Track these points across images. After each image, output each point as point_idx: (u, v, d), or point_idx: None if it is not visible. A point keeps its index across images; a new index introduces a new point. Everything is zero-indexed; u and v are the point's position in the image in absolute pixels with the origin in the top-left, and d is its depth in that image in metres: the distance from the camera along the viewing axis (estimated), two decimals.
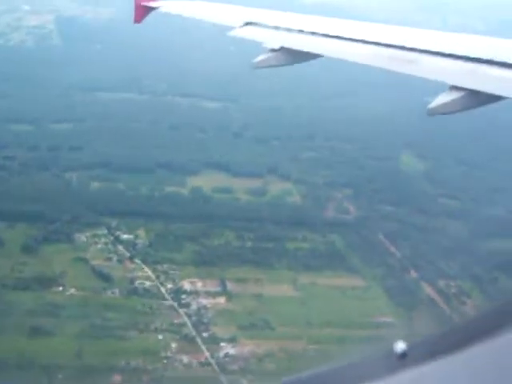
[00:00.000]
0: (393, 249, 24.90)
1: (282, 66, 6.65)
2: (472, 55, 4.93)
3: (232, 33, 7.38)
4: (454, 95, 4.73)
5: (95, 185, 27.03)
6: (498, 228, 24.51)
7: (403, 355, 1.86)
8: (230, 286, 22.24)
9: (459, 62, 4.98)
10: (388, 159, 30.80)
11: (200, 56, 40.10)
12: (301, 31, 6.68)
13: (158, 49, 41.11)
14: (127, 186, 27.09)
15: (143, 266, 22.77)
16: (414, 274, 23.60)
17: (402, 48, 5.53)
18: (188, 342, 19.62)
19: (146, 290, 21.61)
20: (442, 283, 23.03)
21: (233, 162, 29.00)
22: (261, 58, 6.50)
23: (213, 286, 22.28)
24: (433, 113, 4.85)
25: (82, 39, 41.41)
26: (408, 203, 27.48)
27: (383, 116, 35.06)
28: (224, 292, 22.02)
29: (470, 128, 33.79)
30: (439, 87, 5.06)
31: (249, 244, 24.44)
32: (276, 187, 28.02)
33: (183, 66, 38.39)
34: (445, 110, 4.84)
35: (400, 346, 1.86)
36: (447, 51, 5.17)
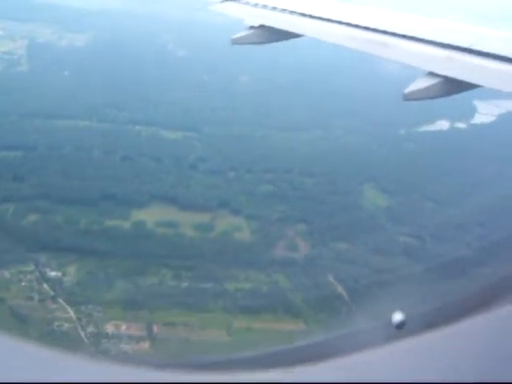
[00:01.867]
0: (341, 291, 23.23)
1: (261, 43, 6.64)
2: (450, 42, 4.95)
3: (212, 8, 7.44)
4: (430, 81, 4.78)
5: (32, 217, 25.63)
6: (454, 270, 22.87)
7: (401, 325, 1.98)
8: (156, 329, 20.63)
9: (437, 49, 5.01)
10: (349, 193, 29.27)
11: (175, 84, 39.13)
12: (281, 10, 6.69)
13: (129, 74, 40.11)
14: (66, 219, 25.68)
15: (66, 306, 21.27)
16: (359, 318, 21.89)
17: (380, 31, 5.55)
18: None
19: (64, 333, 20.01)
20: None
21: (183, 195, 27.58)
22: (239, 34, 6.60)
23: (138, 330, 20.68)
24: (408, 98, 4.92)
25: (51, 65, 40.53)
26: (365, 242, 25.88)
27: (352, 147, 33.78)
28: (149, 336, 20.42)
29: (442, 159, 32.43)
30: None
31: (185, 284, 22.86)
32: (225, 222, 26.51)
33: (151, 94, 37.37)
34: (420, 96, 4.88)
35: (398, 316, 1.99)
36: (425, 37, 5.18)
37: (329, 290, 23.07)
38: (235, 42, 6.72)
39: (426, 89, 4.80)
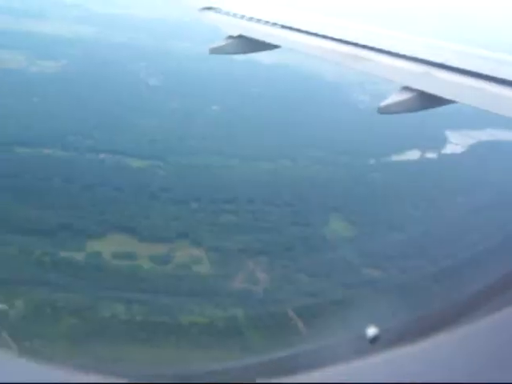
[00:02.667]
0: (301, 326, 22.51)
1: (239, 53, 6.70)
2: (426, 58, 5.01)
3: (191, 17, 7.64)
4: (406, 95, 4.80)
5: None
6: (416, 302, 22.29)
7: (375, 339, 1.98)
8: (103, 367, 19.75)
9: (413, 63, 5.05)
10: (313, 224, 28.75)
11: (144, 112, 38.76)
12: (260, 20, 6.64)
13: (98, 103, 39.68)
14: (19, 250, 24.79)
15: (10, 340, 20.30)
16: (317, 355, 21.11)
17: (358, 45, 5.57)
18: None
19: None
20: None
21: (142, 225, 26.90)
22: (217, 44, 6.48)
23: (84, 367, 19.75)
24: (383, 111, 4.92)
25: (20, 92, 40.01)
26: (327, 274, 25.30)
27: (319, 177, 33.44)
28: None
29: (409, 189, 32.16)
30: None
31: (138, 318, 21.99)
32: (184, 254, 25.80)
33: (119, 123, 36.93)
34: (395, 110, 4.90)
35: (372, 330, 2.01)
36: (402, 52, 5.24)
37: (288, 326, 22.34)
38: (213, 51, 6.63)
39: (401, 103, 4.82)
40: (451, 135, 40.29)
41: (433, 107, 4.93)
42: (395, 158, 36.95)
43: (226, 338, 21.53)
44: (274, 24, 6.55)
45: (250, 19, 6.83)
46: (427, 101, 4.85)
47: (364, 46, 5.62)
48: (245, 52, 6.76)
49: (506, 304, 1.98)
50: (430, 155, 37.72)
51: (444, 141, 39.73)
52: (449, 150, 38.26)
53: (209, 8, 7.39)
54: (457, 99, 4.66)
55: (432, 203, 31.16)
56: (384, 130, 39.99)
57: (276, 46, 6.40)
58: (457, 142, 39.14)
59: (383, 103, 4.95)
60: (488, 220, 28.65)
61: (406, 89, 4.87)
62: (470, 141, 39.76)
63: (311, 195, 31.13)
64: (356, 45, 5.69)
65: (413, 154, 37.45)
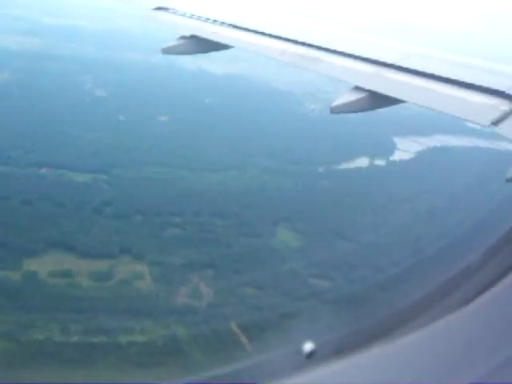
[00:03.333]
0: (244, 341, 21.92)
1: (191, 54, 6.60)
2: (378, 58, 5.08)
3: (143, 18, 7.26)
4: (357, 95, 4.83)
5: None
6: (361, 312, 21.99)
7: (311, 354, 1.98)
8: None
9: (365, 64, 5.11)
10: (261, 235, 28.27)
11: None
12: (214, 21, 6.63)
13: (42, 116, 38.51)
14: None
15: None
16: (260, 371, 20.56)
17: (311, 46, 5.60)
18: None
19: None
20: None
21: (82, 242, 25.94)
22: (170, 44, 6.42)
23: None
24: (335, 111, 4.91)
25: None
26: (274, 286, 24.81)
27: (268, 187, 33.08)
28: None
29: (358, 197, 32.07)
30: None
31: (74, 339, 21.07)
32: (126, 270, 24.96)
33: (63, 136, 35.85)
34: (346, 109, 4.89)
35: (308, 345, 2.01)
36: (354, 52, 5.28)
37: (231, 341, 21.73)
38: (165, 51, 6.58)
39: (352, 103, 4.86)
40: (400, 142, 40.52)
41: (383, 107, 4.95)
42: (345, 165, 36.88)
43: (167, 356, 20.80)
44: (227, 24, 6.57)
45: (203, 19, 6.84)
46: (378, 101, 4.89)
47: (316, 47, 5.65)
48: (197, 52, 6.72)
49: (444, 313, 1.98)
50: (379, 162, 37.79)
51: (392, 148, 39.90)
52: (397, 156, 38.41)
53: (161, 8, 7.35)
54: (406, 99, 4.70)
55: (380, 211, 31.12)
56: (334, 137, 40.08)
57: (229, 47, 6.37)
58: (405, 149, 39.35)
59: (334, 103, 4.96)
60: (434, 227, 28.76)
61: (357, 89, 4.91)
62: (419, 147, 40.05)
63: (260, 205, 30.72)
64: (308, 45, 5.71)
65: (362, 162, 37.45)
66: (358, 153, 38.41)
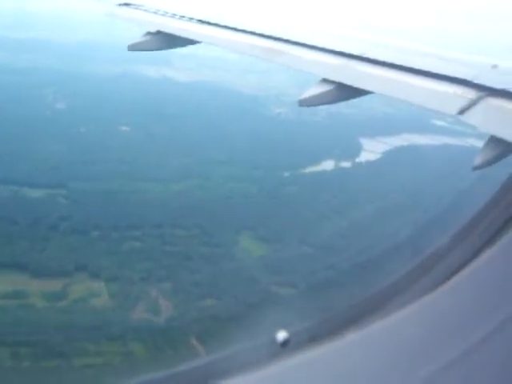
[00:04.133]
0: (204, 353, 21.21)
1: (158, 50, 6.50)
2: (343, 50, 5.10)
3: (108, 14, 7.13)
4: (324, 88, 4.87)
5: None
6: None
7: (285, 343, 2.01)
8: None
9: (331, 56, 5.13)
10: (223, 244, 27.56)
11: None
12: (180, 16, 6.63)
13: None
14: None
15: None
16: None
17: (278, 39, 5.60)
18: None
19: None
20: None
21: (35, 261, 24.98)
22: (136, 41, 6.36)
23: None
24: (303, 104, 4.94)
25: None
26: (235, 296, 24.12)
27: (232, 195, 32.42)
28: None
29: (323, 201, 31.56)
30: None
31: (25, 364, 20.17)
32: (81, 288, 24.06)
33: (18, 151, 34.84)
34: (314, 102, 4.95)
35: (281, 334, 2.03)
36: (321, 45, 5.31)
37: (190, 355, 20.97)
38: (131, 48, 6.43)
39: (320, 95, 4.86)
40: (366, 143, 40.13)
41: (351, 98, 4.96)
42: (310, 169, 36.35)
43: (124, 376, 19.93)
44: (195, 20, 6.50)
45: (170, 15, 6.77)
46: (346, 92, 4.89)
47: (282, 40, 5.62)
48: (164, 48, 6.54)
49: (415, 297, 1.98)
50: (345, 164, 37.32)
51: (359, 149, 39.49)
52: (363, 157, 37.98)
53: (127, 4, 7.22)
54: (374, 90, 4.73)
55: (346, 214, 30.59)
56: (300, 141, 39.58)
57: (195, 42, 6.29)
58: (371, 150, 38.95)
59: (303, 96, 4.89)
60: (400, 226, 28.28)
61: (325, 81, 4.90)
62: (385, 147, 39.68)
63: (223, 214, 30.02)
64: (275, 38, 5.68)
65: (328, 165, 36.97)
66: (324, 156, 37.93)
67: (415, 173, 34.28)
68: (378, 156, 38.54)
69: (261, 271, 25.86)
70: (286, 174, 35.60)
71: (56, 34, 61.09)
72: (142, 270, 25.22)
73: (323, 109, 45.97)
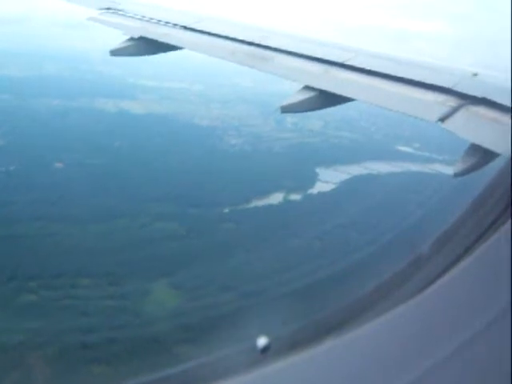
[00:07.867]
0: None
1: (140, 55, 6.49)
2: (326, 57, 5.16)
3: (90, 19, 7.06)
4: (306, 95, 4.86)
5: None
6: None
7: (265, 349, 1.93)
8: None
9: (313, 63, 5.19)
10: (132, 295, 24.06)
11: None
12: (162, 22, 6.66)
13: None
14: None
15: None
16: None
17: (261, 46, 5.65)
18: None
19: None
20: None
21: None
22: (118, 46, 6.36)
23: None
24: (285, 111, 4.97)
25: None
26: (127, 360, 20.50)
27: (156, 237, 29.04)
28: None
29: (258, 240, 28.23)
30: None
31: None
32: None
33: None
34: (296, 109, 4.97)
35: (262, 340, 1.95)
36: (303, 52, 5.38)
37: None
38: (114, 53, 6.26)
39: (302, 102, 4.85)
40: (323, 172, 36.77)
41: (333, 105, 4.92)
42: (255, 203, 32.95)
43: None
44: (178, 26, 6.47)
45: (153, 21, 6.69)
46: (327, 99, 4.87)
47: (265, 47, 5.59)
48: (146, 54, 6.41)
49: (395, 304, 1.95)
50: (294, 197, 33.83)
51: (314, 179, 36.05)
52: (316, 189, 34.51)
53: (109, 9, 7.15)
54: (355, 97, 4.73)
55: (282, 255, 27.03)
56: (252, 173, 36.37)
57: (178, 48, 6.23)
58: (327, 180, 35.51)
59: (285, 103, 4.87)
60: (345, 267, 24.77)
61: (307, 88, 4.89)
62: (343, 176, 36.24)
63: (140, 259, 26.60)
64: (257, 45, 5.66)
65: (275, 198, 33.56)
66: (273, 188, 34.58)
67: (366, 203, 30.69)
68: (333, 186, 35.09)
69: (166, 328, 22.28)
70: (226, 210, 32.20)
71: (19, 70, 59.21)
72: (26, 330, 21.66)
73: (284, 139, 42.80)
